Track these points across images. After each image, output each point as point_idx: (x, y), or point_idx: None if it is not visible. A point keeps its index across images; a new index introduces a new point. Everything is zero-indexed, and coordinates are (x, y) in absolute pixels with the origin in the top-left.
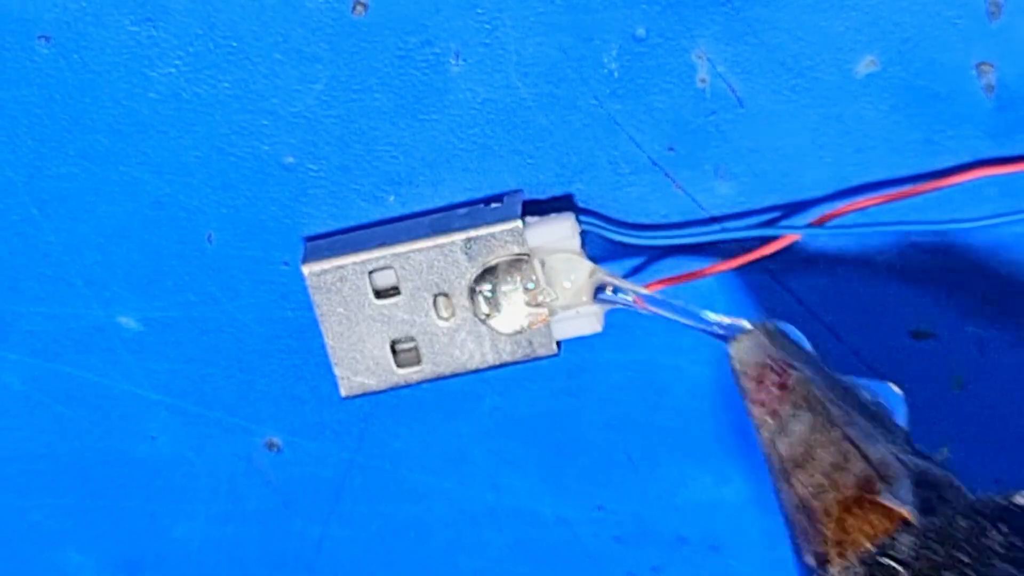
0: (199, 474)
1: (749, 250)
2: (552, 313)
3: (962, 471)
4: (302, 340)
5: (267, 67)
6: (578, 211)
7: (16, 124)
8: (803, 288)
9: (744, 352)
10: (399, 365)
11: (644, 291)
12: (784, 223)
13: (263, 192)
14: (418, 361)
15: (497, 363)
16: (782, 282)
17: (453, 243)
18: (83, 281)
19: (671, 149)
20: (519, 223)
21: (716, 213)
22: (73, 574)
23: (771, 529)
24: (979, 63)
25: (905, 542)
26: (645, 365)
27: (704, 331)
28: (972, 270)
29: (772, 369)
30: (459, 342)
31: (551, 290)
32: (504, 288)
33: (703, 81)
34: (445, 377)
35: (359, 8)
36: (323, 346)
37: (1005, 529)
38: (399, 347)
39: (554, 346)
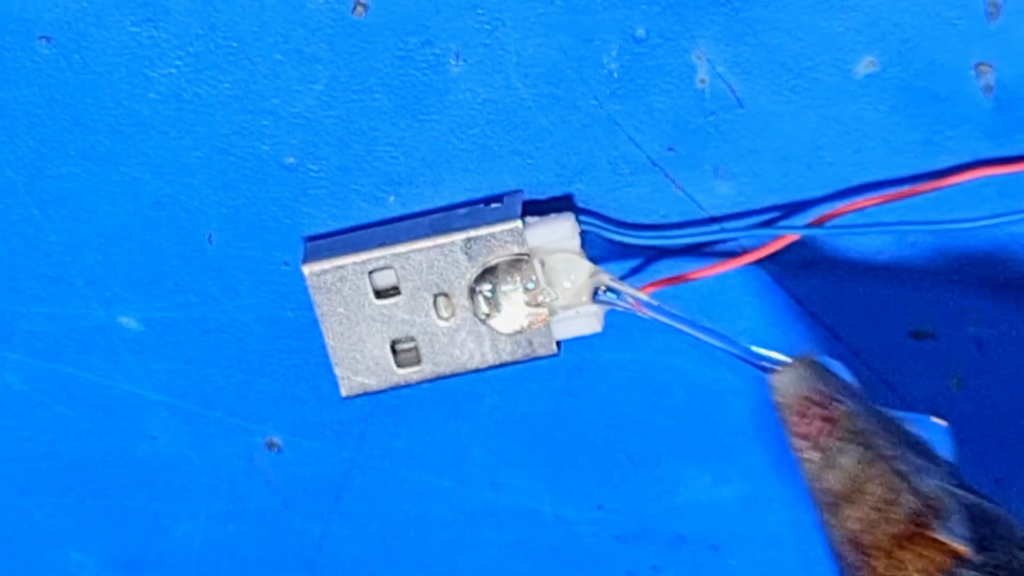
0: (200, 474)
1: (748, 250)
2: (552, 313)
3: (961, 471)
4: (302, 340)
5: (267, 67)
6: (578, 211)
7: (17, 124)
8: (802, 288)
9: (787, 385)
10: (399, 365)
11: (643, 296)
12: (783, 223)
13: (263, 192)
14: (418, 361)
15: (497, 363)
16: (781, 282)
17: (453, 243)
18: (84, 281)
19: (671, 149)
20: (519, 223)
21: (716, 213)
22: (74, 573)
23: (770, 528)
24: (978, 64)
25: None
26: (645, 365)
27: (744, 360)
28: (971, 270)
29: (816, 402)
30: (459, 342)
31: (551, 290)
32: (504, 288)
33: (703, 82)
34: (445, 377)
35: (359, 9)
36: (323, 346)
37: None
38: (399, 347)
39: (554, 346)
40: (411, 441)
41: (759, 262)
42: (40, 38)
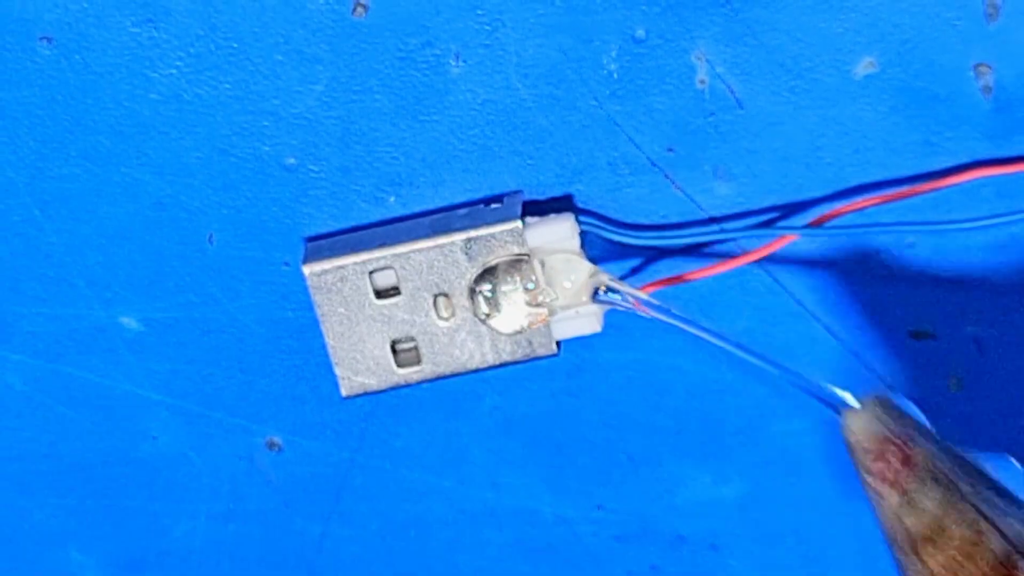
0: (200, 474)
1: (748, 250)
2: (552, 313)
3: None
4: (303, 340)
5: (268, 68)
6: (578, 212)
7: (18, 125)
8: (802, 289)
9: (862, 426)
10: (399, 365)
11: (643, 296)
12: (783, 224)
13: (264, 193)
14: (418, 361)
15: (497, 363)
16: (781, 283)
17: (453, 243)
18: (85, 282)
19: (670, 150)
20: (519, 223)
21: (715, 214)
22: (75, 573)
23: (770, 528)
24: (977, 64)
25: None
26: (644, 365)
27: (814, 396)
28: (970, 270)
29: (894, 443)
30: (459, 342)
31: (551, 290)
32: (504, 288)
33: (702, 82)
34: (445, 377)
35: (359, 9)
36: (324, 346)
37: None
38: (399, 347)
39: (554, 346)
40: (411, 441)
41: (758, 262)
42: (41, 39)
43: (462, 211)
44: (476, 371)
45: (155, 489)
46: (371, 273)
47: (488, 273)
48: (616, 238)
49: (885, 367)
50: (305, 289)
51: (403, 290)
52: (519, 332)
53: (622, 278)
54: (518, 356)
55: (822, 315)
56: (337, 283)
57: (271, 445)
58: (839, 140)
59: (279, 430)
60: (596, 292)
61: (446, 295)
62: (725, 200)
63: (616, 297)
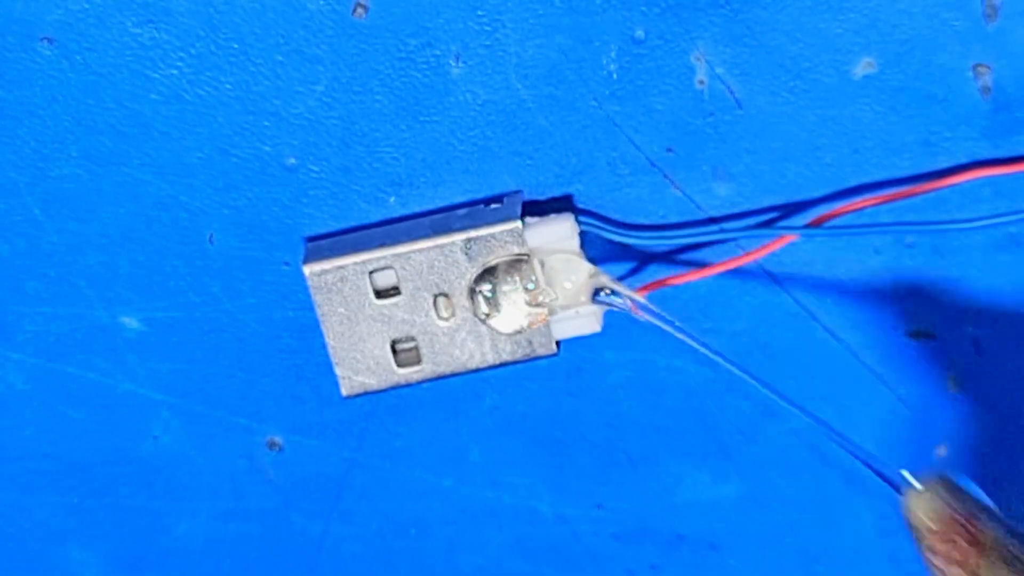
0: (201, 473)
1: (747, 251)
2: (551, 313)
3: (959, 470)
4: (303, 340)
5: (268, 69)
6: (577, 212)
7: (19, 125)
8: (801, 288)
9: (926, 507)
10: (399, 365)
11: (640, 299)
12: (782, 224)
13: (265, 193)
14: (418, 361)
15: (497, 363)
16: (780, 282)
17: (453, 243)
18: (86, 282)
19: (670, 150)
20: (519, 224)
21: (714, 214)
22: (77, 571)
23: (769, 528)
24: (975, 65)
25: None
26: (644, 365)
27: (872, 470)
28: (969, 270)
29: (960, 524)
30: (459, 342)
31: (551, 290)
32: (504, 288)
33: (701, 83)
34: (445, 376)
35: (359, 10)
36: (324, 346)
37: None
38: (399, 347)
39: (553, 346)
40: (411, 440)
41: (758, 262)
42: (42, 39)
43: (462, 211)
44: (476, 371)
45: (156, 488)
46: (371, 273)
47: (488, 273)
48: (616, 238)
49: (884, 367)
50: (305, 289)
51: (403, 290)
52: (519, 332)
53: (622, 278)
54: (518, 356)
55: (821, 315)
56: (337, 283)
57: (272, 444)
58: (838, 140)
59: (280, 429)
60: (595, 293)
61: (446, 295)
62: (724, 200)
63: (615, 299)
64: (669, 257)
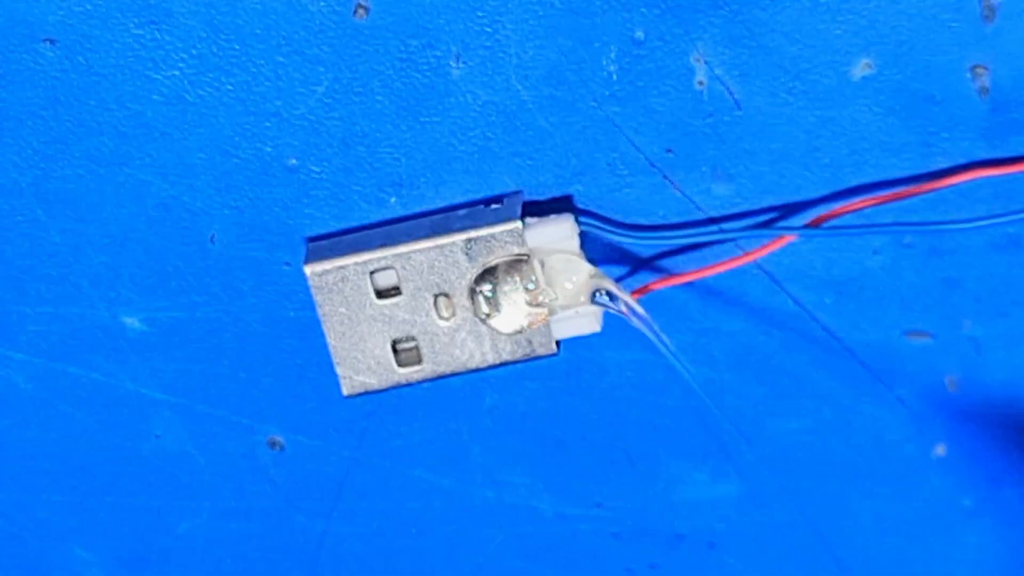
0: (203, 472)
1: (746, 251)
2: (551, 313)
3: (957, 470)
4: (304, 340)
5: (270, 70)
6: (577, 212)
7: (21, 126)
8: (799, 289)
9: None
10: (400, 364)
11: (635, 304)
12: (781, 224)
13: (266, 193)
14: (419, 360)
15: (497, 362)
16: (779, 283)
17: (454, 243)
18: (88, 282)
19: (669, 151)
20: (519, 224)
21: (714, 214)
22: (78, 570)
23: (767, 527)
24: (974, 66)
25: None
26: (643, 364)
27: None
28: (967, 271)
29: None
30: (459, 342)
31: (551, 290)
32: (504, 288)
33: (701, 84)
34: (445, 376)
35: (360, 11)
36: (325, 346)
37: None
38: (400, 347)
39: (553, 345)
40: (412, 439)
41: (757, 262)
42: (44, 40)
43: (462, 211)
44: (476, 370)
45: (158, 487)
46: (372, 273)
47: (488, 273)
48: (615, 238)
49: (881, 366)
50: (307, 289)
51: (404, 290)
52: (519, 332)
53: (621, 278)
54: (518, 356)
55: (820, 315)
56: (338, 283)
57: (273, 444)
58: (837, 141)
59: (281, 429)
60: (594, 294)
61: (446, 295)
62: (724, 201)
63: (609, 301)
64: (668, 257)
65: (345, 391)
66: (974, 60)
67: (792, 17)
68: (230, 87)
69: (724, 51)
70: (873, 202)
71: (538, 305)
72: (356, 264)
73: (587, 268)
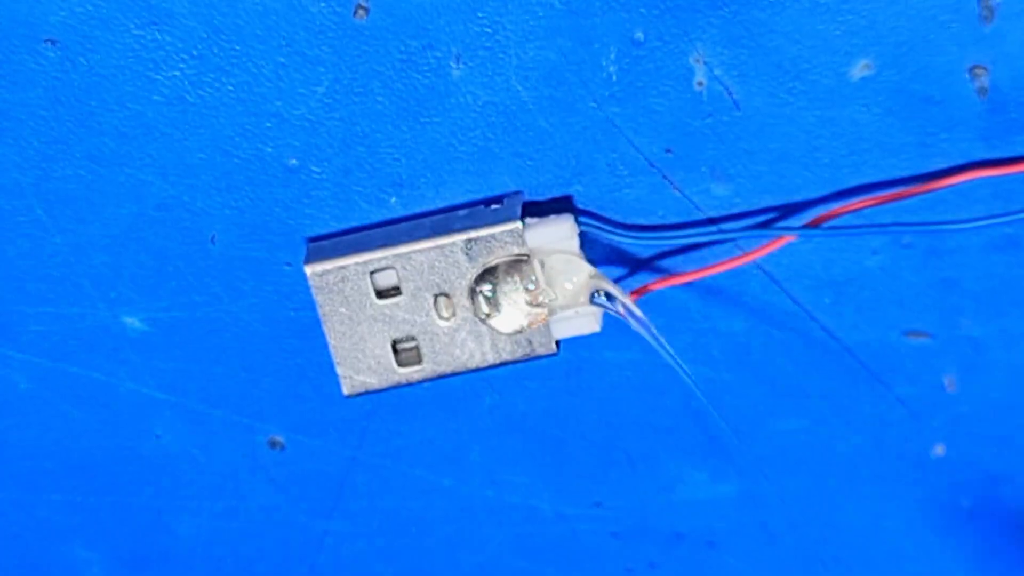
0: (204, 471)
1: (746, 251)
2: (551, 313)
3: (956, 470)
4: (305, 340)
5: (270, 70)
6: (577, 212)
7: (22, 127)
8: (799, 289)
9: None
10: (400, 364)
11: (632, 305)
12: (780, 224)
13: (267, 194)
14: (419, 360)
15: (497, 362)
16: (778, 283)
17: (454, 244)
18: (89, 282)
19: (669, 151)
20: (519, 224)
21: (713, 214)
22: (80, 569)
23: (767, 526)
24: (972, 66)
25: None
26: (643, 364)
27: None
28: (965, 271)
29: None
30: (459, 341)
31: (551, 290)
32: (504, 288)
33: (700, 84)
34: (445, 376)
35: (361, 12)
36: (325, 345)
37: None
38: (400, 346)
39: (553, 345)
40: (412, 439)
41: (756, 262)
42: (45, 41)
43: (463, 212)
44: (476, 370)
45: (159, 487)
46: (372, 273)
47: (488, 273)
48: (615, 239)
49: (881, 366)
50: (307, 289)
51: (404, 290)
52: (519, 332)
53: (621, 278)
54: (518, 355)
55: (819, 315)
56: (339, 283)
57: (273, 443)
58: (836, 141)
59: (281, 428)
60: (593, 295)
61: (447, 295)
62: (723, 201)
63: (607, 302)
64: (668, 257)
65: (345, 391)
66: (973, 61)
67: (791, 17)
68: (231, 87)
69: (723, 51)
70: (872, 202)
71: (538, 305)
72: (356, 264)
73: (587, 268)
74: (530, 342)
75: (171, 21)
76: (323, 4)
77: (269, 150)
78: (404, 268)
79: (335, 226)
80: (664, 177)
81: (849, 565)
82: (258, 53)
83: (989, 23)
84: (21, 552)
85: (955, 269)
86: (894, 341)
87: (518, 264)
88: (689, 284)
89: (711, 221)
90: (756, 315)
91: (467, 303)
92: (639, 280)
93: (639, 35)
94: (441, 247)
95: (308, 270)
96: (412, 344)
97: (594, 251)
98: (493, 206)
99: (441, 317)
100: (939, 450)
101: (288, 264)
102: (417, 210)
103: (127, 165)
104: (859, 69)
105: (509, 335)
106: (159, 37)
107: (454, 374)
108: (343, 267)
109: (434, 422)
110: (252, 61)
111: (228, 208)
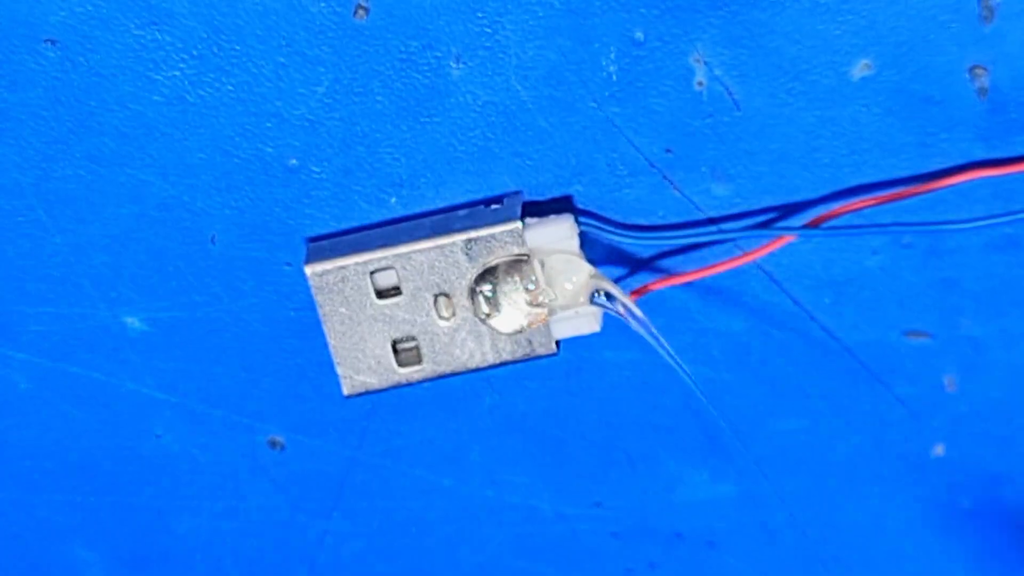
0: (204, 471)
1: (746, 251)
2: (551, 313)
3: (956, 470)
4: (305, 340)
5: (270, 70)
6: (577, 212)
7: (23, 127)
8: (799, 289)
9: None
10: (400, 364)
11: (632, 305)
12: (780, 224)
13: (267, 194)
14: (419, 360)
15: (497, 362)
16: (778, 283)
17: (454, 244)
18: (89, 282)
19: (669, 151)
20: (519, 224)
21: (713, 214)
22: (80, 569)
23: (767, 526)
24: (972, 66)
25: None
26: (643, 364)
27: None
28: (965, 271)
29: None
30: (459, 341)
31: (551, 290)
32: (504, 288)
33: (700, 84)
34: (446, 376)
35: (360, 12)
36: (325, 345)
37: None
38: (400, 346)
39: (553, 345)
40: (412, 439)
41: (756, 262)
42: (45, 41)
43: (462, 212)
44: (476, 370)
45: (159, 487)
46: (372, 273)
47: (488, 273)
48: (615, 239)
49: (880, 366)
50: (307, 289)
51: (404, 290)
52: (519, 332)
53: (621, 278)
54: (518, 355)
55: (819, 315)
56: (339, 283)
57: (273, 443)
58: (836, 141)
59: (281, 428)
60: (593, 295)
61: (447, 295)
62: (723, 201)
63: (607, 302)
64: (668, 257)
65: (345, 391)
66: (973, 61)
67: (791, 18)
68: (230, 87)
69: (723, 52)
70: (872, 202)
71: (538, 305)
72: (356, 264)
73: (587, 268)
74: (530, 342)
75: (171, 21)
76: (323, 4)
77: (269, 150)
78: (404, 268)
79: (335, 226)
80: (664, 177)
81: (849, 565)
82: (258, 53)
83: (989, 23)
84: (21, 552)
85: (955, 269)
86: (894, 341)
87: (518, 264)
88: (689, 284)
89: (711, 221)
90: (756, 315)
91: (467, 303)
92: (639, 280)
93: (639, 35)
94: (441, 247)
95: (308, 270)
96: (412, 344)
97: (594, 251)
98: (493, 206)
99: (441, 317)
100: (939, 450)
101: (288, 264)
102: (417, 210)
103: (127, 165)
104: (859, 69)
105: (509, 335)
106: (159, 37)
107: (454, 374)
108: (343, 267)
109: (434, 422)
110: (252, 61)
111: (228, 208)
